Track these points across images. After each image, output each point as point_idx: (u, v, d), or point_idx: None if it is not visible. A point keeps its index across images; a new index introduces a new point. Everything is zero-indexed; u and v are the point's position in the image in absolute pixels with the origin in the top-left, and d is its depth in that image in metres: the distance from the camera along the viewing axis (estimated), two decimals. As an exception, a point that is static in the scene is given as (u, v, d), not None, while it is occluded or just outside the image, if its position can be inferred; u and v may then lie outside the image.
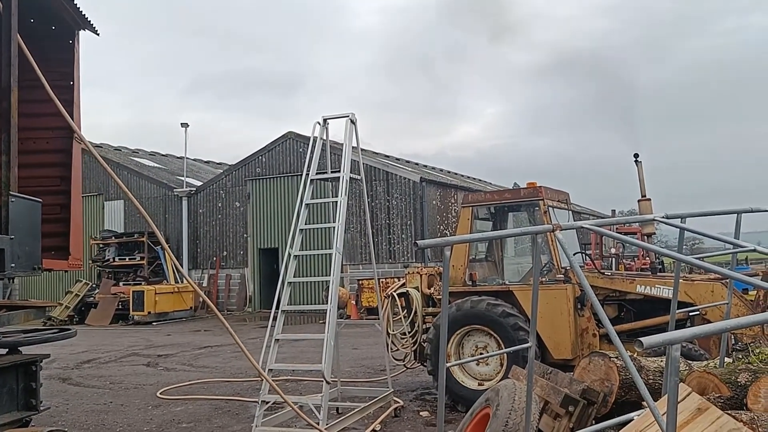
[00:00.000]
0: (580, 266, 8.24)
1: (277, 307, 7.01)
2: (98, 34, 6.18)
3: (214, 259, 25.38)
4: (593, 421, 4.86)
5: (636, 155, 15.76)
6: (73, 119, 5.73)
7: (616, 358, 5.29)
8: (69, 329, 4.98)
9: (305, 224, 7.53)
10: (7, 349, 4.31)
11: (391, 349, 8.68)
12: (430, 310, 8.53)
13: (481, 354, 7.52)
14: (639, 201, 15.87)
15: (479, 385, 7.49)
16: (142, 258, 25.10)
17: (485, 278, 8.31)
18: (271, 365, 6.92)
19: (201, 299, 23.66)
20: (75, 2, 5.64)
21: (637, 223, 18.46)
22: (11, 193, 4.48)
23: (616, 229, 17.84)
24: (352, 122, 7.68)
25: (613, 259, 19.62)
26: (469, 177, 39.71)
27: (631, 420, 3.91)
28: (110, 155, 28.79)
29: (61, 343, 5.08)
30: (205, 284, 24.91)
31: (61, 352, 13.18)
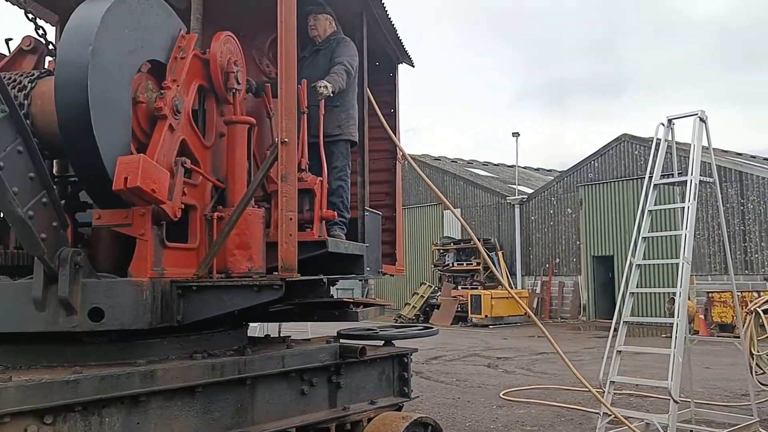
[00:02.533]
0: None
1: (618, 318, 6.82)
2: (413, 66, 6.80)
3: (547, 266, 25.50)
4: None
5: None
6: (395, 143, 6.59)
7: None
8: (431, 327, 5.58)
9: (648, 232, 7.18)
10: (383, 342, 5.01)
11: (756, 372, 7.70)
12: (807, 331, 7.34)
13: None
14: None
15: None
16: (477, 263, 26.46)
17: None
18: (613, 377, 6.74)
19: (536, 304, 24.06)
20: (399, 38, 6.28)
21: None
22: (365, 207, 5.28)
23: None
24: (702, 120, 7.06)
25: None
26: None
27: None
28: (447, 167, 31.09)
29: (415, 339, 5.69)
30: (538, 291, 25.19)
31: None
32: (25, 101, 3.37)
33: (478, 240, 27.21)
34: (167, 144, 3.40)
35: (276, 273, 3.52)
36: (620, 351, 6.72)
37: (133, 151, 3.30)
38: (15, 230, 2.97)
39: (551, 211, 25.74)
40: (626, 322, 6.85)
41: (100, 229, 3.43)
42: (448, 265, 27.71)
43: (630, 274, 6.96)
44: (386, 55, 6.39)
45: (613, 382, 6.73)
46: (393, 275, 6.27)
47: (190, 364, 3.37)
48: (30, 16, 3.62)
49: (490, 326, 21.73)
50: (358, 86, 5.33)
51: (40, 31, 3.96)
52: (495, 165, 36.37)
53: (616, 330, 6.87)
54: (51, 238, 3.03)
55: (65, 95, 3.09)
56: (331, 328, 5.53)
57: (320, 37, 5.25)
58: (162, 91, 3.47)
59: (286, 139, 3.58)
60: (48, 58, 4.07)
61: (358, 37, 5.44)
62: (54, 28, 5.55)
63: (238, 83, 4.02)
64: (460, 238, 28.41)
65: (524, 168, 36.25)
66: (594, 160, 24.41)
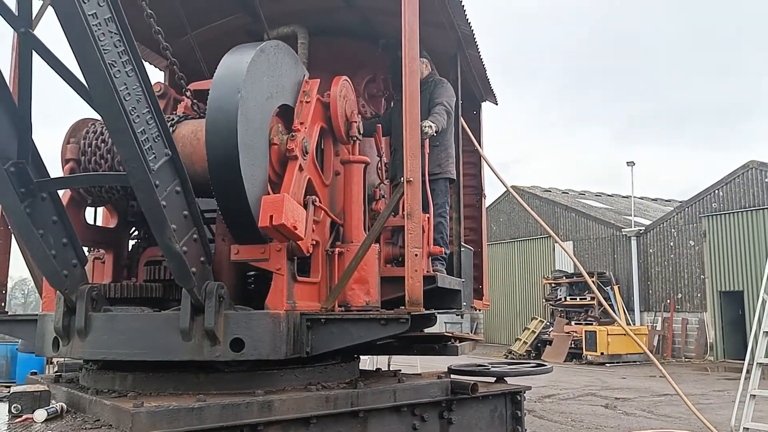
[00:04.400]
0: None
1: (751, 359, 6.41)
2: (497, 104, 6.76)
3: (668, 301, 24.14)
4: None
5: None
6: (481, 178, 6.54)
7: None
8: (545, 364, 5.47)
9: (782, 266, 6.73)
10: (495, 378, 4.96)
11: None
12: None
13: None
14: None
15: None
16: (592, 298, 25.44)
17: None
18: (747, 423, 6.32)
19: (657, 342, 22.78)
20: (487, 77, 6.27)
21: None
22: (462, 243, 5.30)
23: None
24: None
25: None
26: None
27: None
28: (558, 198, 30.33)
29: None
30: (659, 328, 23.84)
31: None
32: (168, 144, 3.69)
33: (592, 274, 26.12)
34: (298, 183, 3.63)
35: (402, 307, 3.62)
36: (754, 395, 6.28)
37: (270, 190, 3.54)
38: (171, 264, 3.22)
39: (671, 244, 24.43)
40: (760, 363, 6.42)
41: (222, 262, 3.67)
42: (560, 299, 26.84)
43: (763, 312, 6.52)
44: (471, 93, 6.46)
45: (747, 429, 6.30)
46: (480, 310, 6.25)
47: (305, 395, 3.50)
48: (176, 68, 3.94)
49: (607, 364, 20.75)
50: (454, 125, 5.45)
51: (182, 82, 4.31)
52: (609, 196, 35.10)
53: (748, 372, 6.44)
54: (199, 272, 3.28)
55: (216, 138, 3.35)
56: (439, 363, 5.54)
57: None
58: (292, 134, 3.72)
59: (411, 178, 3.72)
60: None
61: (452, 77, 5.58)
62: (163, 72, 6.06)
63: (360, 132, 4.25)
64: (572, 271, 27.51)
65: (640, 198, 34.71)
66: (718, 189, 23.01)
